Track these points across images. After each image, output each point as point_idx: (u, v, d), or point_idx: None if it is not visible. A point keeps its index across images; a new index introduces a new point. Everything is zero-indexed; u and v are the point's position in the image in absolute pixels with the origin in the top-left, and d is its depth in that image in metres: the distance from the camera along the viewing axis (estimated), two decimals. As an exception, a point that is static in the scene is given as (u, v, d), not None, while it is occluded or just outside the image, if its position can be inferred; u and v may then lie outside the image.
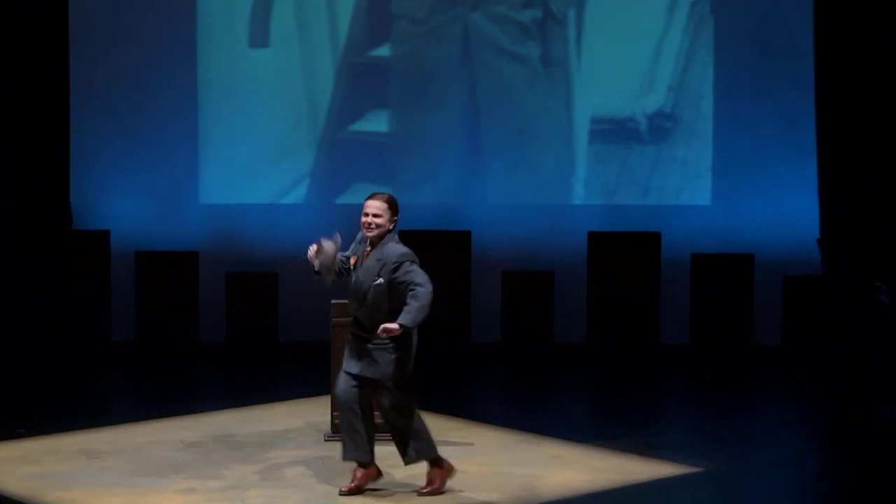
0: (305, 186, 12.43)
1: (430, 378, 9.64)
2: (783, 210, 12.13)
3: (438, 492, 7.45)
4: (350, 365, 7.37)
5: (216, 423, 9.30)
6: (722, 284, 11.63)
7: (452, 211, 12.25)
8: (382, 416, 7.48)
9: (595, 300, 11.76)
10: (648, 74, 12.28)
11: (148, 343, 11.71)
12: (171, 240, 12.13)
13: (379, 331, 7.13)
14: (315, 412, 9.41)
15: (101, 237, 12.00)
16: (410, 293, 7.14)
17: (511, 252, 12.15)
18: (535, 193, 12.33)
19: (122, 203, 12.26)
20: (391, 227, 7.32)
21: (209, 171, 12.40)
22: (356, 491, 7.46)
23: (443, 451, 8.07)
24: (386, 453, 7.86)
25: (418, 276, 7.18)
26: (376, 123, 12.40)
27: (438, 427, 9.03)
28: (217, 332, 11.75)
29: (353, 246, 7.47)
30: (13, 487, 7.67)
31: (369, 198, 7.36)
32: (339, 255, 7.38)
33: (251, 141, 12.34)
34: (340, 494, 7.47)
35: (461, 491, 7.57)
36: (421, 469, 7.56)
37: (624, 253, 11.72)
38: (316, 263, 7.31)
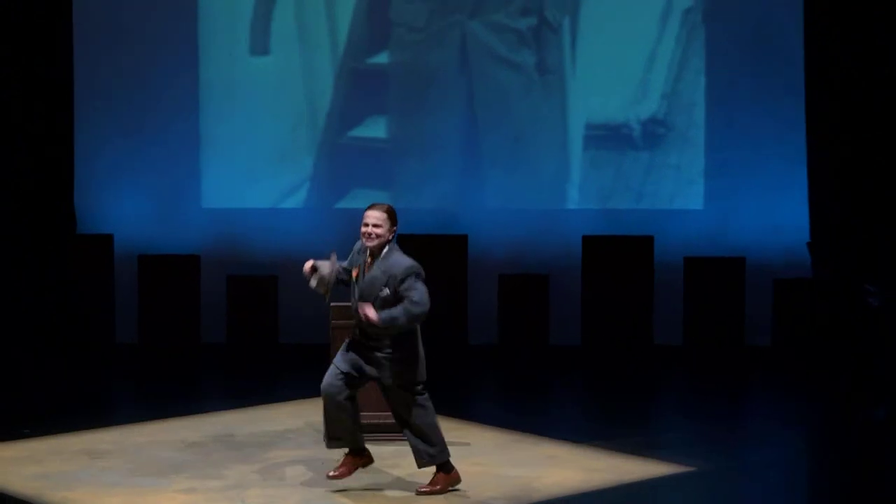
0: (305, 191, 12.41)
1: (429, 379, 9.58)
2: (774, 214, 12.12)
3: (437, 493, 7.43)
4: (343, 364, 7.35)
5: (217, 423, 9.27)
6: (714, 287, 11.62)
7: (450, 215, 12.24)
8: (395, 419, 7.45)
9: (590, 303, 11.75)
10: (642, 82, 12.27)
11: (150, 345, 11.69)
12: (173, 243, 12.11)
13: (362, 309, 7.10)
14: (315, 413, 9.36)
15: (105, 241, 11.98)
16: (403, 305, 7.14)
17: (507, 255, 12.14)
18: (531, 198, 12.31)
19: (125, 207, 12.24)
20: (391, 236, 7.30)
21: (211, 175, 12.38)
22: (345, 474, 7.46)
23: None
24: (385, 453, 7.86)
25: (417, 293, 7.16)
26: (375, 129, 12.38)
27: (436, 427, 9.04)
28: (218, 334, 11.72)
29: (351, 256, 7.44)
30: (19, 487, 7.66)
31: (369, 208, 7.33)
32: (337, 267, 7.35)
33: (252, 146, 12.33)
34: (328, 478, 7.47)
35: (458, 490, 7.55)
36: (425, 470, 7.53)
37: (618, 256, 11.71)
38: (312, 282, 7.29)
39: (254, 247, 12.24)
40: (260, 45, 12.34)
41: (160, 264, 11.77)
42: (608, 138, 12.29)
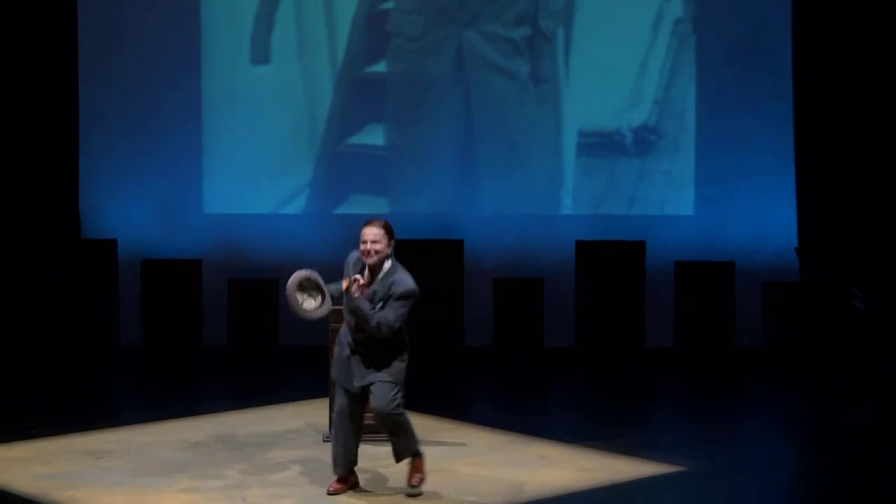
0: (305, 197, 12.41)
1: (425, 380, 9.62)
2: (763, 220, 12.13)
3: (423, 478, 7.44)
4: (344, 380, 7.35)
5: (218, 424, 9.27)
6: (704, 291, 11.63)
7: (446, 220, 12.24)
8: (375, 417, 7.46)
9: (583, 306, 11.75)
10: (634, 90, 12.28)
11: (153, 347, 11.68)
12: (175, 248, 12.11)
13: (354, 285, 7.11)
14: (314, 413, 9.39)
15: (109, 246, 11.97)
16: (381, 314, 7.14)
17: (502, 260, 12.14)
18: (526, 204, 12.32)
19: (128, 213, 12.24)
20: (389, 251, 7.30)
21: (212, 182, 12.38)
22: (342, 490, 7.50)
23: (437, 451, 8.08)
24: (383, 453, 7.84)
25: (395, 315, 7.14)
26: (373, 136, 12.38)
27: (433, 427, 9.03)
28: (219, 337, 11.72)
29: (346, 269, 7.40)
30: (26, 486, 7.65)
31: (366, 225, 7.29)
32: (330, 289, 7.32)
33: (253, 153, 12.33)
34: (328, 494, 7.49)
35: (454, 489, 7.55)
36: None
37: (610, 261, 11.71)
38: (324, 309, 7.28)
39: (254, 251, 12.24)
40: (261, 54, 12.34)
41: (163, 269, 11.76)
42: (601, 145, 12.30)
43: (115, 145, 12.28)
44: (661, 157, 12.28)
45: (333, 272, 7.52)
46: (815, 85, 11.78)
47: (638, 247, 11.79)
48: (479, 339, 11.72)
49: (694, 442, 8.94)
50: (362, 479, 7.60)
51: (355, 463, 7.52)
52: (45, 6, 11.96)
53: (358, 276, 7.19)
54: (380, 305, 7.18)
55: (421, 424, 8.96)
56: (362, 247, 7.25)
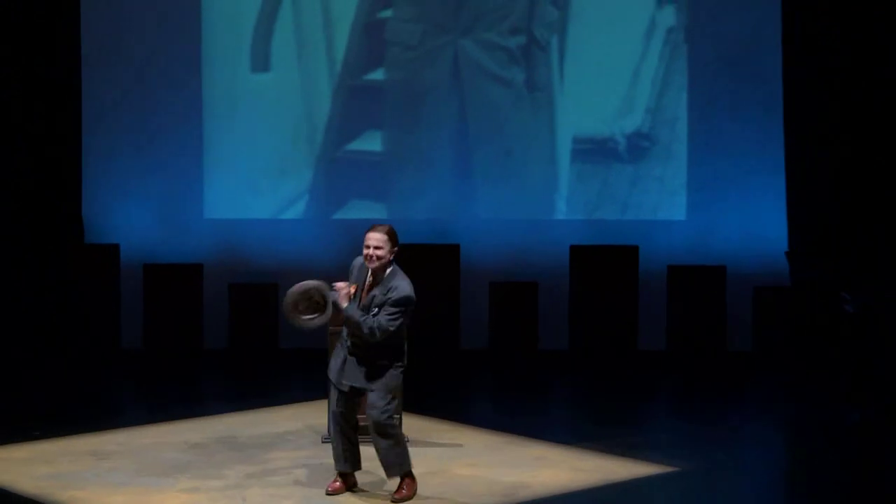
0: (304, 202, 12.39)
1: (422, 383, 9.60)
2: (754, 225, 12.12)
3: (408, 497, 7.38)
4: (336, 378, 7.32)
5: (219, 425, 9.24)
6: (696, 295, 11.63)
7: (443, 225, 12.22)
8: (369, 426, 7.41)
9: (577, 309, 11.75)
10: (627, 98, 12.28)
11: (155, 350, 11.66)
12: (176, 253, 12.08)
13: (338, 287, 7.11)
14: (313, 415, 9.37)
15: (111, 250, 11.95)
16: (374, 318, 7.10)
17: (498, 264, 12.13)
18: (521, 209, 12.31)
19: (130, 218, 12.21)
20: (391, 257, 7.26)
21: (213, 187, 12.36)
22: (341, 490, 7.45)
23: (433, 452, 8.06)
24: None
25: (389, 321, 7.09)
26: (371, 143, 12.37)
27: (430, 429, 9.01)
28: (220, 340, 11.70)
29: (351, 273, 7.39)
30: (29, 487, 7.63)
31: (370, 230, 7.26)
32: (333, 297, 7.28)
33: (253, 159, 12.31)
34: (327, 494, 7.46)
35: (450, 490, 7.53)
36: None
37: (604, 265, 11.71)
38: (324, 318, 7.25)
39: (255, 256, 12.22)
40: (261, 62, 12.33)
41: (164, 273, 11.75)
42: (594, 152, 12.29)
43: (118, 151, 12.25)
44: (654, 164, 12.27)
45: (332, 276, 7.48)
46: (804, 93, 11.79)
47: (631, 251, 11.79)
48: (475, 341, 11.72)
49: (686, 443, 8.93)
50: (361, 479, 7.57)
51: (358, 461, 7.47)
52: (47, 7, 11.93)
53: (343, 284, 7.15)
54: (376, 311, 7.15)
55: (418, 426, 8.96)
56: (365, 251, 7.22)
